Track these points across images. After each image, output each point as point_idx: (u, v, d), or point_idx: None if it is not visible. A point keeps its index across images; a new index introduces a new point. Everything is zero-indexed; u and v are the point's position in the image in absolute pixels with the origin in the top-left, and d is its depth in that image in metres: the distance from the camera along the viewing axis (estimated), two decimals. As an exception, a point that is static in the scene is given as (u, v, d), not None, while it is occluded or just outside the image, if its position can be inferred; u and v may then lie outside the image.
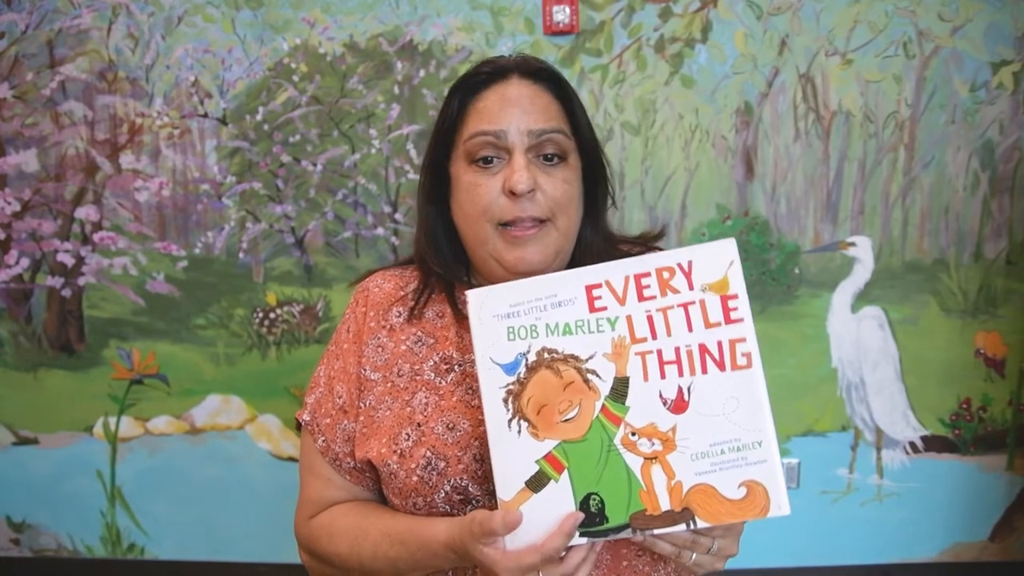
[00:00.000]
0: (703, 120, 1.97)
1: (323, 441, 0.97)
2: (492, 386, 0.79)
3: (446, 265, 0.97)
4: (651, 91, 1.96)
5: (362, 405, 0.94)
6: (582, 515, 0.75)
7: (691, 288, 0.79)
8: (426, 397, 0.92)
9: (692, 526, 0.75)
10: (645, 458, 0.76)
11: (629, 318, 0.79)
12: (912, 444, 2.06)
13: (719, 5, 1.92)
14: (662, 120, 1.97)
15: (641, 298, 0.79)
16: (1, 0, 1.99)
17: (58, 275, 2.09)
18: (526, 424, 0.78)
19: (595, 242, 0.97)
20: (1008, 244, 1.99)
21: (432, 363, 0.94)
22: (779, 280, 2.02)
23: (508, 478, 0.77)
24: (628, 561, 0.91)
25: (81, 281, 2.08)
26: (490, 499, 0.87)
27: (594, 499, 0.76)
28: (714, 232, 2.01)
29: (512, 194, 0.88)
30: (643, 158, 1.99)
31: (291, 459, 2.08)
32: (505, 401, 0.79)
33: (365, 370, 0.95)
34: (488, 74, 0.93)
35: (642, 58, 1.95)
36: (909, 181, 1.98)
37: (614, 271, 0.80)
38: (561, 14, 1.91)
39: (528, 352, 0.79)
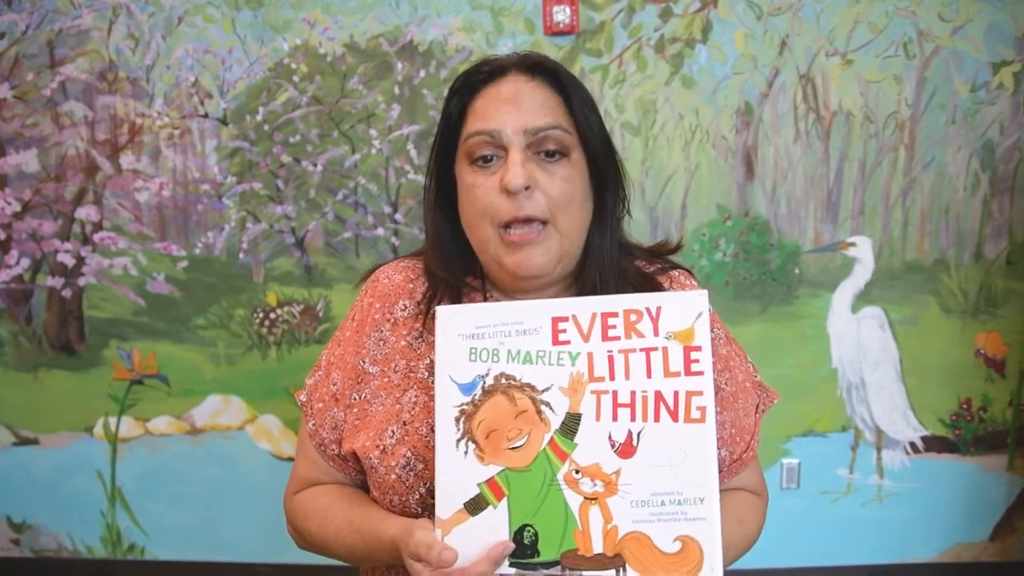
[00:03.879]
0: (703, 120, 1.97)
1: (313, 425, 0.98)
2: (447, 404, 0.79)
3: (453, 273, 0.95)
4: (651, 91, 1.96)
5: (356, 397, 0.95)
6: (512, 546, 0.76)
7: (656, 334, 0.78)
8: (416, 396, 0.92)
9: (621, 574, 0.74)
10: (585, 497, 0.76)
11: (590, 355, 0.78)
12: (912, 444, 2.06)
13: (719, 5, 1.92)
14: (662, 120, 1.97)
15: (605, 337, 0.79)
16: (2, 1, 1.99)
17: (58, 275, 2.09)
18: (473, 446, 0.78)
19: (603, 248, 0.94)
20: (1008, 244, 1.99)
21: (428, 361, 0.93)
22: (779, 280, 2.02)
23: (448, 497, 0.78)
24: None
25: (81, 281, 2.08)
26: None
27: (528, 531, 0.76)
28: (714, 232, 2.01)
29: (508, 192, 0.86)
30: (643, 158, 1.99)
31: (291, 459, 2.08)
32: (457, 420, 0.79)
33: (364, 363, 0.95)
34: (486, 73, 0.91)
35: (642, 58, 1.95)
36: (909, 181, 1.98)
37: (582, 307, 0.80)
38: (561, 14, 1.91)
39: (487, 375, 0.79)
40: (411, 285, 0.98)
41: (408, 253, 1.06)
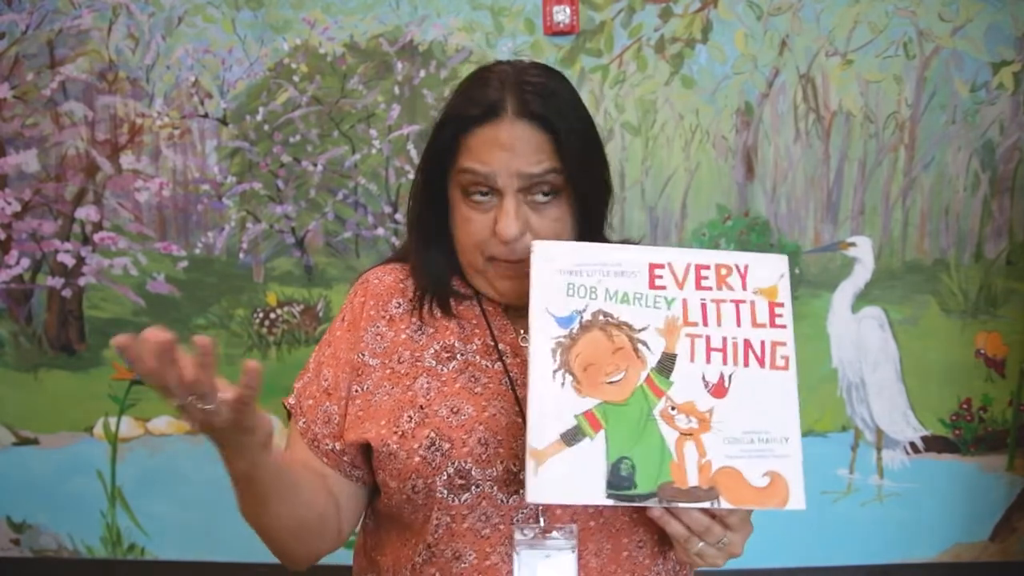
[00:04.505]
0: (703, 120, 1.97)
1: (304, 423, 0.98)
2: (543, 335, 0.80)
3: (436, 278, 0.97)
4: (651, 91, 1.96)
5: (358, 389, 0.94)
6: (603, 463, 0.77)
7: (744, 288, 0.84)
8: (428, 382, 0.92)
9: (715, 505, 0.77)
10: (681, 433, 0.79)
11: (685, 301, 0.82)
12: (912, 444, 2.06)
13: (719, 5, 1.92)
14: (662, 120, 1.97)
15: (699, 287, 0.83)
16: (2, 1, 1.99)
17: (58, 275, 2.09)
18: (571, 378, 0.79)
19: None
20: (1008, 244, 1.99)
21: (433, 351, 0.94)
22: (779, 280, 2.02)
23: (544, 427, 0.78)
24: (628, 552, 0.91)
25: (81, 281, 2.08)
26: (492, 485, 0.87)
27: (626, 463, 0.77)
28: (714, 232, 2.01)
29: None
30: (643, 158, 1.99)
31: (291, 459, 2.08)
32: (554, 352, 0.80)
33: (363, 355, 0.95)
34: (482, 114, 0.89)
35: (642, 58, 1.95)
36: (909, 181, 1.98)
37: (678, 256, 0.84)
38: (561, 14, 1.91)
39: (584, 311, 0.81)
40: (402, 285, 1.00)
41: (391, 256, 1.07)
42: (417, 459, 0.87)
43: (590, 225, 0.95)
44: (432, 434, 0.88)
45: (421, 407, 0.90)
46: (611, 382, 0.79)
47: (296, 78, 1.99)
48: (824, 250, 2.01)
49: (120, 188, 2.05)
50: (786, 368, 0.82)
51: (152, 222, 2.06)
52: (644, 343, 0.81)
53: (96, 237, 2.07)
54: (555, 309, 0.81)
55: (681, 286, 0.83)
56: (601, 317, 0.81)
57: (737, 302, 0.83)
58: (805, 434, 2.05)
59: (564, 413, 0.78)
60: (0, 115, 2.04)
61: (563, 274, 0.82)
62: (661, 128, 1.98)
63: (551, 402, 0.78)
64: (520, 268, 0.88)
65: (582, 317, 0.81)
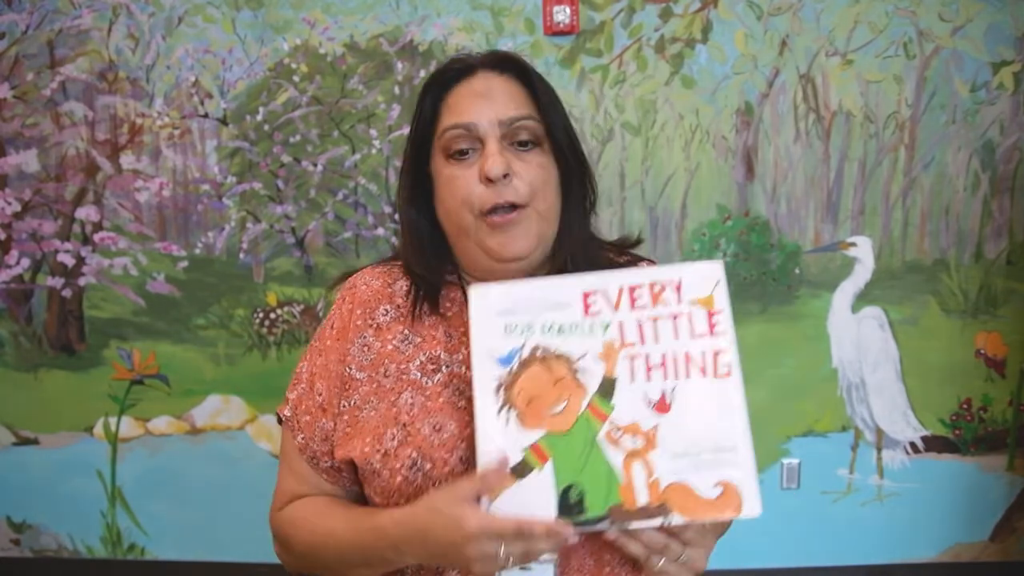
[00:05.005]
0: (703, 120, 1.97)
1: (302, 438, 0.97)
2: (485, 376, 0.83)
3: (431, 268, 0.97)
4: (651, 91, 1.96)
5: (346, 404, 0.94)
6: (508, 457, 0.79)
7: (680, 302, 0.84)
8: (412, 397, 0.91)
9: (668, 522, 0.77)
10: (627, 454, 0.79)
11: (620, 324, 0.83)
12: (912, 444, 2.06)
13: (719, 5, 1.92)
14: (662, 120, 1.97)
15: (633, 307, 0.84)
16: (2, 1, 1.99)
17: (58, 275, 2.09)
18: (515, 413, 0.81)
19: (574, 234, 0.98)
20: (1008, 244, 1.99)
21: (419, 362, 0.94)
22: (779, 280, 2.02)
23: (492, 465, 0.79)
24: (611, 568, 0.90)
25: (81, 281, 2.08)
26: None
27: (574, 490, 0.78)
28: (714, 232, 2.01)
29: (488, 180, 0.89)
30: (643, 158, 1.99)
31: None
32: (496, 391, 0.82)
33: (350, 369, 0.95)
34: (456, 71, 0.95)
35: (642, 58, 1.95)
36: (909, 181, 1.99)
37: (610, 281, 0.85)
38: (561, 14, 1.91)
39: (522, 347, 0.83)
40: (389, 290, 0.99)
41: (379, 260, 1.06)
42: (399, 479, 0.88)
43: (571, 195, 0.96)
44: (414, 454, 0.88)
45: (404, 425, 0.90)
46: (554, 413, 0.81)
47: (296, 78, 1.99)
48: (824, 250, 2.01)
49: (120, 188, 2.05)
50: (729, 375, 0.81)
51: (152, 222, 2.06)
52: (584, 370, 0.82)
53: (96, 237, 2.07)
54: (494, 350, 0.83)
55: (616, 309, 0.84)
56: (539, 351, 0.83)
57: (674, 316, 0.83)
58: (805, 434, 2.07)
59: (511, 449, 0.80)
60: (0, 115, 2.04)
61: (499, 315, 0.84)
62: (661, 128, 1.98)
63: (498, 440, 0.80)
64: (509, 218, 0.90)
65: (521, 354, 0.83)
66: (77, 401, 2.13)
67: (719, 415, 0.80)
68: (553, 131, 0.94)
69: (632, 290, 0.85)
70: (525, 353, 0.83)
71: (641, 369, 0.81)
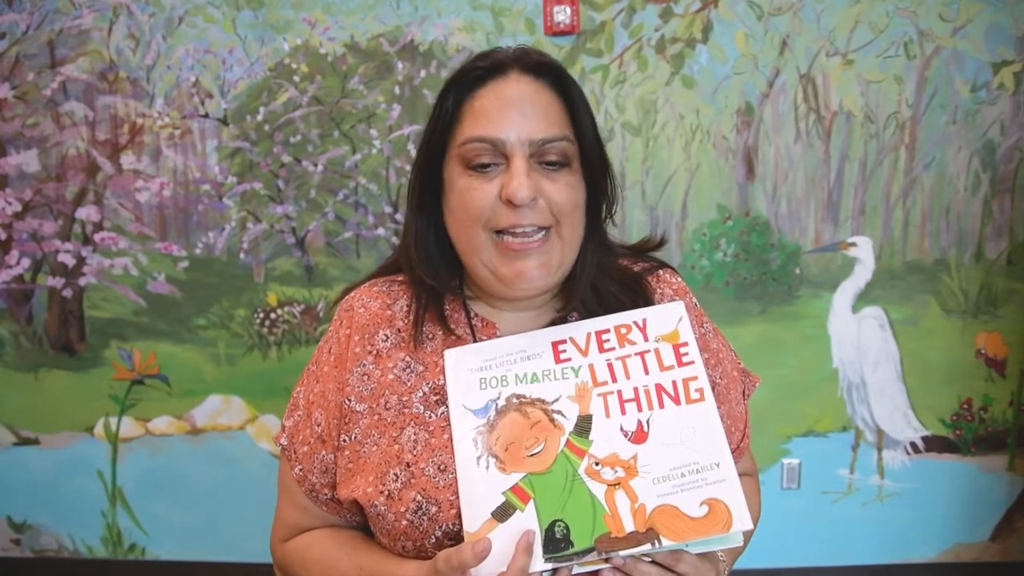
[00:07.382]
0: (704, 120, 1.97)
1: (300, 470, 0.93)
2: (463, 429, 0.84)
3: (437, 276, 0.90)
4: (652, 91, 1.96)
5: (346, 438, 0.89)
6: (535, 531, 0.77)
7: (646, 340, 0.87)
8: (415, 433, 0.86)
9: (657, 546, 0.76)
10: (608, 485, 0.79)
11: (591, 366, 0.86)
12: (913, 444, 2.06)
13: (720, 5, 1.92)
14: (663, 120, 1.97)
15: (602, 349, 0.87)
16: (2, 1, 1.99)
17: (59, 275, 2.09)
18: (494, 460, 0.82)
19: (589, 254, 0.91)
20: (1009, 244, 1.99)
21: (421, 394, 0.89)
22: (780, 280, 2.02)
23: (475, 510, 0.80)
24: None
25: (82, 281, 2.08)
26: None
27: (559, 525, 0.78)
28: (714, 232, 2.01)
29: (511, 203, 0.81)
30: (644, 158, 1.99)
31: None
32: (475, 441, 0.83)
33: (350, 400, 0.90)
34: (485, 69, 0.84)
35: (643, 58, 1.95)
36: (910, 181, 1.98)
37: (577, 330, 0.89)
38: (562, 14, 1.91)
39: (498, 398, 0.85)
40: (389, 312, 0.93)
41: (375, 272, 1.00)
42: (405, 522, 0.84)
43: (595, 217, 0.90)
44: (419, 496, 0.83)
45: (408, 464, 0.85)
46: (532, 454, 0.82)
47: (297, 78, 1.99)
48: (824, 250, 2.01)
49: (120, 188, 2.05)
50: (702, 399, 0.83)
51: (152, 222, 2.06)
52: (559, 412, 0.83)
53: (96, 237, 2.07)
54: (471, 404, 0.85)
55: (585, 353, 0.87)
56: (515, 400, 0.85)
57: (642, 353, 0.86)
58: (806, 434, 2.07)
59: (492, 493, 0.80)
60: (1, 115, 2.04)
61: (474, 372, 0.87)
62: (662, 128, 1.98)
63: (479, 486, 0.81)
64: (528, 245, 0.83)
65: (497, 404, 0.85)
66: (77, 401, 2.13)
67: (697, 437, 0.81)
68: (587, 151, 0.86)
69: (600, 335, 0.88)
70: (501, 402, 0.85)
71: (615, 404, 0.83)
